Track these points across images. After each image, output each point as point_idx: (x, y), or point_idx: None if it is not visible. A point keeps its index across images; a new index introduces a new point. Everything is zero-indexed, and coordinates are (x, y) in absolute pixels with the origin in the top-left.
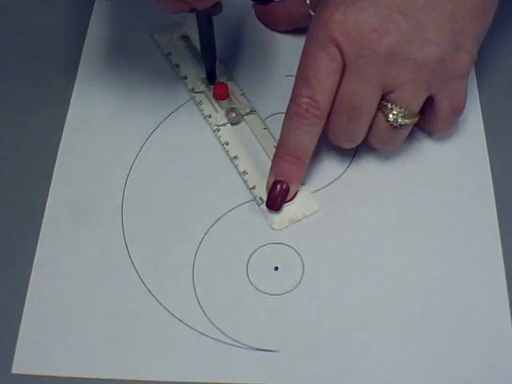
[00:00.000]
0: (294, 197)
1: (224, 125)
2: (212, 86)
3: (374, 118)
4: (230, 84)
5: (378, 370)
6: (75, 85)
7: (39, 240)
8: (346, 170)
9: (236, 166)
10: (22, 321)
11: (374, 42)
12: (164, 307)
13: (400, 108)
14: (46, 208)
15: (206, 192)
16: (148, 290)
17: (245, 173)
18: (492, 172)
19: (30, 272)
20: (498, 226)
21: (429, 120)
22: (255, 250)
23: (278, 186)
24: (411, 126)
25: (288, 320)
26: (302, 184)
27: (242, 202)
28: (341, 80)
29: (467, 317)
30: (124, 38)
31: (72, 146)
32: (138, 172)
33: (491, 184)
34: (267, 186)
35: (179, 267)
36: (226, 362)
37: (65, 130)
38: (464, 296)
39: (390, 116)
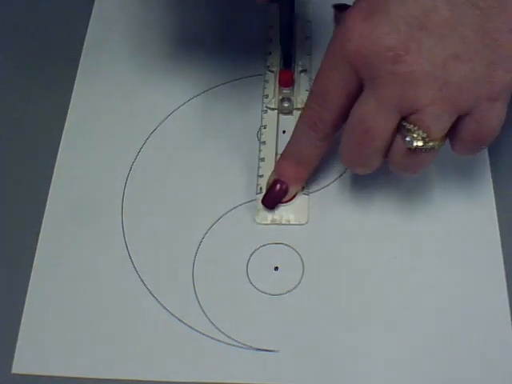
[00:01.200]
0: (291, 198)
1: (273, 109)
2: (279, 70)
3: (392, 141)
4: (301, 76)
5: (378, 370)
6: (75, 85)
7: (39, 240)
8: (346, 170)
9: (259, 151)
10: (22, 321)
11: (390, 61)
12: (164, 307)
13: (420, 130)
14: (46, 208)
15: (206, 192)
16: (148, 290)
17: (262, 160)
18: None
19: (30, 272)
20: (497, 225)
21: (449, 137)
22: (255, 250)
23: (278, 186)
24: (436, 152)
25: (288, 320)
26: (303, 191)
27: (242, 202)
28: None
29: (467, 317)
30: (124, 39)
31: (72, 146)
32: (138, 172)
33: (491, 185)
34: (268, 183)
35: (179, 267)
36: (226, 362)
37: (65, 129)
38: (464, 296)
39: (408, 138)
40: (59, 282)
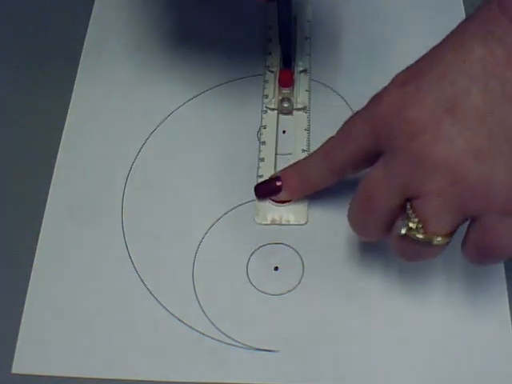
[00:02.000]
0: (286, 201)
1: (273, 110)
2: (279, 70)
3: (396, 219)
4: (301, 76)
5: (378, 370)
6: (75, 85)
7: (39, 240)
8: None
9: (259, 151)
10: (22, 321)
11: (407, 135)
12: (164, 307)
13: (417, 219)
14: (46, 208)
15: (206, 192)
16: (148, 290)
17: (262, 160)
18: None
19: (30, 272)
20: None
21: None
22: (255, 250)
23: (275, 183)
24: (436, 248)
25: (288, 320)
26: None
27: (242, 202)
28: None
29: (467, 317)
30: (124, 39)
31: (72, 146)
32: (138, 172)
33: None
34: (269, 176)
35: (179, 267)
36: (226, 362)
37: (65, 129)
38: (464, 296)
39: (401, 223)
40: (59, 282)
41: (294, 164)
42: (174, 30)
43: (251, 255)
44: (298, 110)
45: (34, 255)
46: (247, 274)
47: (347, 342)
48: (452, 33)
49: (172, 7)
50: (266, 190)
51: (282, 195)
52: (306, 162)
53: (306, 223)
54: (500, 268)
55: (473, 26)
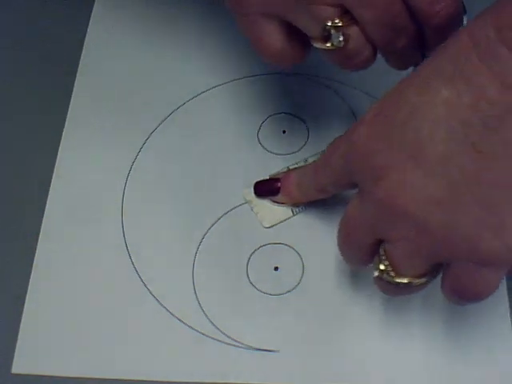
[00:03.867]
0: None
1: None
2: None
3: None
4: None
5: (378, 370)
6: (75, 85)
7: (39, 240)
8: None
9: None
10: (22, 321)
11: (372, 179)
12: (164, 307)
13: (387, 262)
14: (46, 208)
15: (206, 192)
16: (148, 289)
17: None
18: None
19: (30, 272)
20: None
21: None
22: (255, 250)
23: (275, 184)
24: (414, 287)
25: (288, 320)
26: None
27: (243, 201)
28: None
29: (467, 317)
30: (124, 38)
31: (72, 146)
32: (138, 172)
33: None
34: (272, 175)
35: (179, 267)
36: (226, 362)
37: (65, 129)
38: None
39: (377, 267)
40: (59, 282)
41: (295, 170)
42: (174, 30)
43: (251, 255)
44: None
45: (33, 255)
46: (247, 274)
47: (347, 341)
48: (420, 67)
49: (172, 7)
50: (265, 190)
51: (278, 198)
52: (302, 172)
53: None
54: None
55: (442, 62)
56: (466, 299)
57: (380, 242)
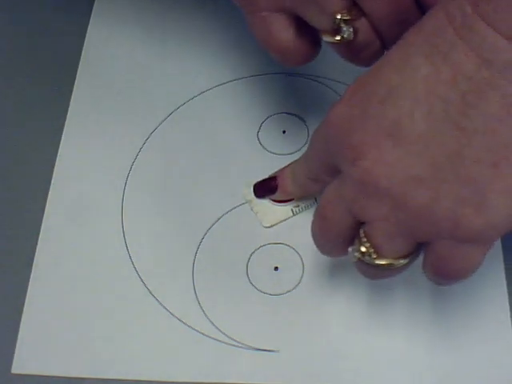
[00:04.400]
0: (286, 201)
1: None
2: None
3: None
4: None
5: (379, 370)
6: (75, 84)
7: (39, 240)
8: None
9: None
10: (22, 321)
11: (349, 160)
12: (164, 307)
13: (368, 244)
14: (46, 208)
15: (206, 192)
16: (148, 290)
17: None
18: None
19: (30, 272)
20: None
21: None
22: (255, 250)
23: (272, 182)
24: (396, 269)
25: (288, 320)
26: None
27: (243, 201)
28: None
29: (467, 317)
30: (124, 39)
31: (72, 146)
32: (138, 172)
33: None
34: (272, 174)
35: (179, 267)
36: (226, 362)
37: (65, 129)
38: (464, 296)
39: (358, 250)
40: (59, 282)
41: (289, 165)
42: (175, 30)
43: (251, 255)
44: None
45: (33, 255)
46: (247, 274)
47: (347, 341)
48: (397, 45)
49: (172, 7)
50: (264, 189)
51: (277, 195)
52: (294, 163)
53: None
54: (500, 268)
55: (419, 39)
56: (448, 277)
57: (358, 226)
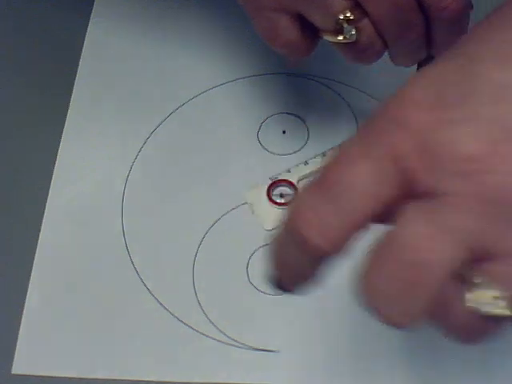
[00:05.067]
0: (285, 204)
1: None
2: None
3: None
4: None
5: (379, 370)
6: (75, 84)
7: (39, 240)
8: None
9: None
10: (22, 321)
11: (466, 175)
12: (164, 307)
13: (495, 289)
14: (46, 208)
15: (206, 192)
16: (148, 290)
17: None
18: None
19: (30, 272)
20: None
21: None
22: (255, 250)
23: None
24: None
25: (288, 320)
26: None
27: (242, 202)
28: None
29: None
30: (124, 39)
31: (72, 146)
32: (138, 172)
33: None
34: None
35: (179, 267)
36: (226, 362)
37: (65, 129)
38: None
39: (472, 296)
40: (59, 282)
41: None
42: (175, 30)
43: (251, 255)
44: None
45: (34, 255)
46: (247, 274)
47: (347, 342)
48: (491, 40)
49: (172, 7)
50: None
51: None
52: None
53: None
54: None
55: None
56: None
57: (464, 269)
